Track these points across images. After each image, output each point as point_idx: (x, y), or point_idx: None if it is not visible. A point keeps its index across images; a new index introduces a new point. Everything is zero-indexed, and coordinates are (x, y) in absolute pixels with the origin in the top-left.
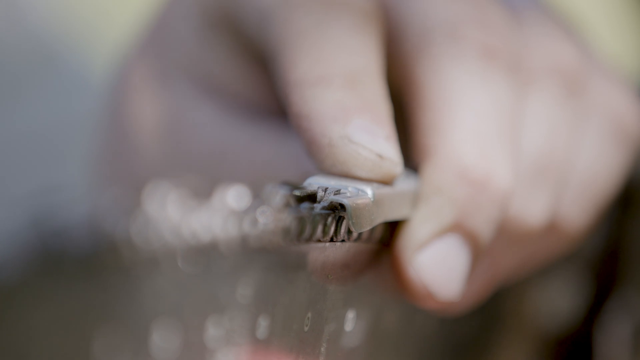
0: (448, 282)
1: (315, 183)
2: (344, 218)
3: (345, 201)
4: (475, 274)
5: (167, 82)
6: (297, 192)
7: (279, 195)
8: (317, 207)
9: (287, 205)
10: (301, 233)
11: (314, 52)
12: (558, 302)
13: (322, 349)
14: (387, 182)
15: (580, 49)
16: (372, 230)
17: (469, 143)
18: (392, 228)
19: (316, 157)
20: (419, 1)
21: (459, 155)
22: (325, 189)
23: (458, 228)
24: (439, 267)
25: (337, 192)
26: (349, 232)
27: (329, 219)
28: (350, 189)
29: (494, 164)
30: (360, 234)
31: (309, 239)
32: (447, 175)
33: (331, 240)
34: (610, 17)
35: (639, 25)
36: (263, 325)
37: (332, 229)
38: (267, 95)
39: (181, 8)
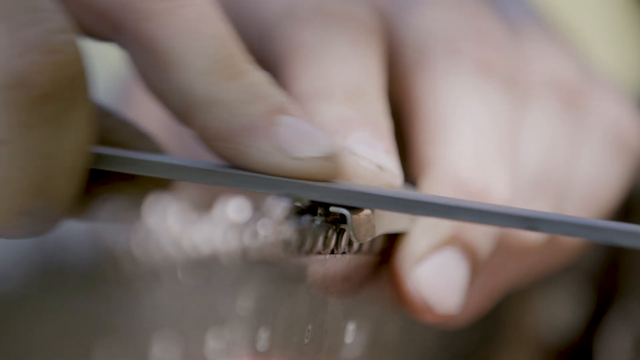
0: (446, 295)
1: None
2: (344, 230)
3: (345, 212)
4: (474, 287)
5: None
6: (298, 204)
7: (279, 208)
8: (318, 219)
9: (287, 217)
10: (302, 245)
11: (316, 66)
12: (558, 313)
13: None
14: None
15: (578, 63)
16: (372, 242)
17: (466, 156)
18: (392, 241)
19: None
20: (417, 16)
21: (457, 168)
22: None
23: (456, 241)
24: (437, 280)
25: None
26: (350, 244)
27: (330, 231)
28: None
29: (492, 177)
30: (360, 246)
31: (310, 251)
32: (445, 188)
33: (332, 252)
34: (609, 29)
35: (639, 36)
36: (263, 337)
37: (333, 241)
38: None
39: None
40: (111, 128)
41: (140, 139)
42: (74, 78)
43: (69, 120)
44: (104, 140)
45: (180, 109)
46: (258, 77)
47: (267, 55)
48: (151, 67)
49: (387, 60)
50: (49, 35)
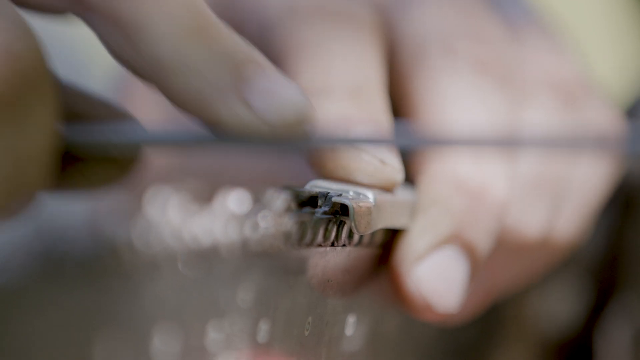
0: (447, 294)
1: (316, 187)
2: (344, 223)
3: (347, 202)
4: (474, 286)
5: None
6: (298, 196)
7: (280, 200)
8: (318, 211)
9: (288, 209)
10: (302, 237)
11: (317, 63)
12: (558, 307)
13: (323, 354)
14: (387, 189)
15: (573, 63)
16: (373, 235)
17: (464, 154)
18: (392, 235)
19: (318, 162)
20: (415, 14)
21: (454, 167)
22: (327, 193)
23: (456, 239)
24: (437, 279)
25: (339, 196)
26: (350, 236)
27: (330, 224)
28: (351, 193)
29: (490, 175)
30: (361, 238)
31: (310, 244)
32: (444, 187)
33: (332, 244)
34: (609, 29)
35: (638, 35)
36: (264, 329)
37: (333, 233)
38: None
39: None
40: (73, 103)
41: (103, 109)
42: (34, 80)
43: (32, 120)
44: (68, 115)
45: (151, 75)
46: (230, 40)
47: (267, 53)
48: (117, 34)
49: (386, 58)
50: (6, 39)
